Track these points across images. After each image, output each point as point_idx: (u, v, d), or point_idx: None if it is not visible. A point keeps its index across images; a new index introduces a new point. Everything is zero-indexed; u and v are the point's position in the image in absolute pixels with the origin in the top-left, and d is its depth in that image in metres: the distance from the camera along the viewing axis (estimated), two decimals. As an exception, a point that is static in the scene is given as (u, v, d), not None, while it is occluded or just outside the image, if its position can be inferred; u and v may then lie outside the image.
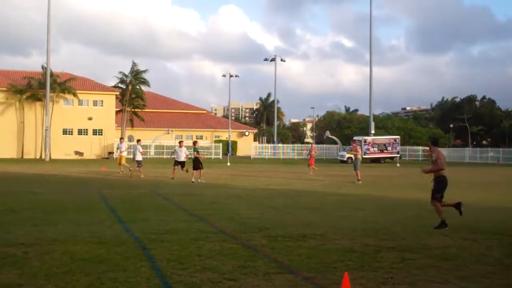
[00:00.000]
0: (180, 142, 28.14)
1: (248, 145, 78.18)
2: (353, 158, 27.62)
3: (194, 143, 26.34)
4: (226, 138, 76.25)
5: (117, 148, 33.55)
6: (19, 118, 63.08)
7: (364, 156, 60.49)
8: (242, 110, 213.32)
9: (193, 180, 24.30)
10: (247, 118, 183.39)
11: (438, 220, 11.58)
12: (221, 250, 8.75)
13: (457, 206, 11.89)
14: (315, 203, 16.67)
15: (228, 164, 48.06)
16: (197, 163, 24.59)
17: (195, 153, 25.13)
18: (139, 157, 28.70)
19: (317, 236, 10.27)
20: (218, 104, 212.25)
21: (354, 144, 28.08)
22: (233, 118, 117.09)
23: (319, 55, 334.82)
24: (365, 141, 61.02)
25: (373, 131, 65.39)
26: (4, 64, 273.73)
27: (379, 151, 61.43)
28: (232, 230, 10.81)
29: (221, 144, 71.03)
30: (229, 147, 70.90)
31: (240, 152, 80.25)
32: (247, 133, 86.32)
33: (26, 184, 18.12)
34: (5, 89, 62.88)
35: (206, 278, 6.94)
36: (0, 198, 16.27)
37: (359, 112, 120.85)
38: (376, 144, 61.47)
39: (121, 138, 35.56)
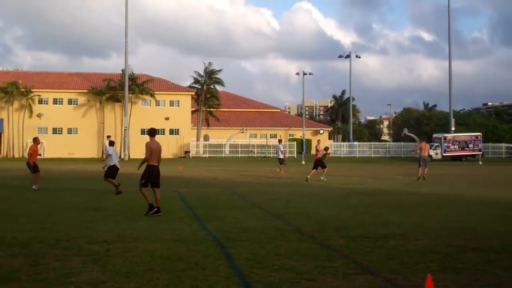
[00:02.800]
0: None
1: (323, 144, 77.63)
2: (419, 155, 26.60)
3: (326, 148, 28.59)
4: (300, 136, 76.05)
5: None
6: (99, 119, 65.30)
7: (444, 154, 58.90)
8: (316, 108, 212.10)
9: (322, 177, 25.35)
10: (321, 116, 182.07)
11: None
12: (299, 249, 8.66)
13: None
14: (394, 202, 16.26)
15: (303, 162, 47.89)
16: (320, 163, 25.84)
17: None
18: (280, 155, 31.06)
19: (397, 236, 9.99)
20: (291, 103, 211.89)
21: (423, 142, 27.19)
22: (307, 116, 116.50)
23: (397, 49, 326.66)
24: (445, 139, 59.33)
25: (453, 128, 63.45)
26: (85, 67, 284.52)
27: (460, 149, 59.59)
28: (309, 229, 10.70)
29: (295, 143, 70.87)
30: (303, 146, 70.69)
31: (315, 150, 79.73)
32: (321, 131, 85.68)
33: (107, 183, 18.64)
34: (86, 91, 65.31)
35: (285, 277, 6.87)
36: (82, 197, 16.80)
37: (438, 109, 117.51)
38: (457, 141, 59.66)
39: (108, 136, 35.04)
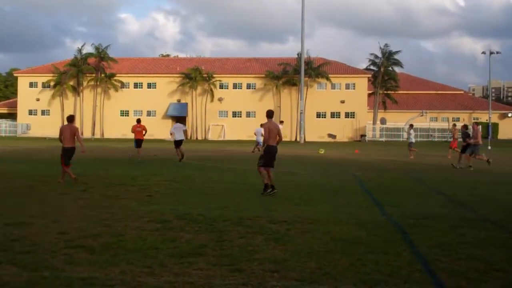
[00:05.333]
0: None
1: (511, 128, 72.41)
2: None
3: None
4: (486, 120, 71.53)
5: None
6: (276, 103, 67.02)
7: None
8: (503, 89, 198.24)
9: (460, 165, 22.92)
10: (509, 98, 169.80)
11: None
12: (487, 238, 8.10)
13: None
14: None
15: (489, 147, 45.01)
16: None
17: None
18: (411, 139, 30.42)
19: None
20: (476, 84, 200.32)
21: (476, 127, 23.62)
22: (493, 98, 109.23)
23: None
24: None
25: None
26: (262, 52, 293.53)
27: None
28: (498, 218, 9.97)
29: (480, 127, 66.80)
30: (489, 130, 66.42)
31: (502, 135, 74.54)
32: (510, 114, 79.84)
33: (285, 165, 19.00)
34: (263, 75, 67.32)
35: (472, 267, 6.47)
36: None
37: None
38: None
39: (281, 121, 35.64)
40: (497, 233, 8.66)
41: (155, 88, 69.74)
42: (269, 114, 13.59)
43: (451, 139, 32.98)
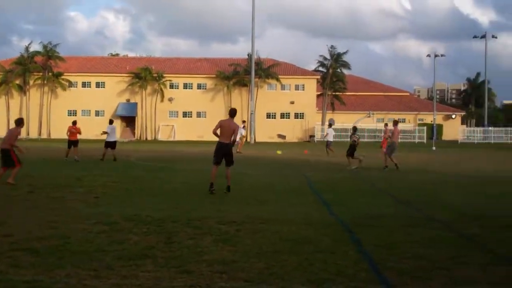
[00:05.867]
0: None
1: (455, 129, 74.53)
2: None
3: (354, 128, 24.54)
4: (431, 121, 73.33)
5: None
6: (226, 103, 67.02)
7: None
8: (448, 91, 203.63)
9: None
10: (453, 100, 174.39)
11: None
12: (432, 237, 8.29)
13: None
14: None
15: (433, 148, 46.19)
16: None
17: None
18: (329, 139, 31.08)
19: (542, 228, 9.29)
20: (422, 86, 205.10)
21: (395, 127, 23.03)
22: (438, 100, 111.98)
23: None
24: None
25: None
26: (213, 52, 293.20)
27: None
28: (442, 218, 10.22)
29: (425, 128, 68.56)
30: (434, 131, 68.14)
31: (446, 136, 76.61)
32: (453, 116, 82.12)
33: (236, 166, 18.99)
34: (214, 76, 67.24)
35: (417, 265, 6.60)
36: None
37: None
38: None
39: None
40: (442, 232, 8.87)
41: (103, 87, 68.70)
42: (232, 112, 13.68)
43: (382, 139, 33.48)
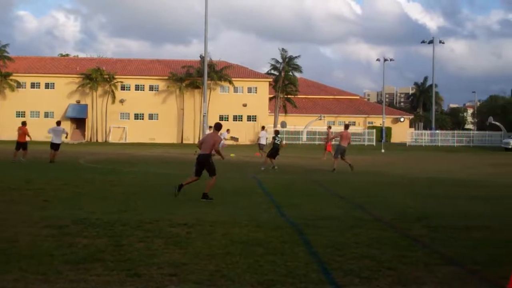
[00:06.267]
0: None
1: (403, 132, 75.97)
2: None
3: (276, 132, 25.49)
4: (380, 124, 74.72)
5: None
6: (179, 105, 66.65)
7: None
8: (396, 95, 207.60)
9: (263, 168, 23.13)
10: (402, 104, 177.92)
11: None
12: (379, 238, 8.49)
13: None
14: (478, 193, 15.67)
15: (382, 151, 47.08)
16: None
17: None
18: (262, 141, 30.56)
19: (483, 228, 9.63)
20: (372, 89, 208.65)
21: (344, 130, 23.30)
22: (387, 103, 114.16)
23: (486, 34, 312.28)
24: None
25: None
26: (166, 53, 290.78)
27: None
28: (389, 219, 10.48)
29: (374, 131, 69.74)
30: (383, 134, 69.45)
31: (395, 138, 78.13)
32: (402, 119, 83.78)
33: (187, 168, 18.98)
34: (166, 77, 66.76)
35: (365, 265, 6.76)
36: (164, 180, 17.17)
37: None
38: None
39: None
40: (388, 233, 9.11)
41: (53, 88, 67.24)
42: (217, 126, 14.18)
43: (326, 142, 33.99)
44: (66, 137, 26.39)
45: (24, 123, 25.21)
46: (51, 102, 65.93)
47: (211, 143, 13.25)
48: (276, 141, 23.56)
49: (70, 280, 5.91)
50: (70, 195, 13.31)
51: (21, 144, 24.32)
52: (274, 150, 23.53)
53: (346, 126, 24.07)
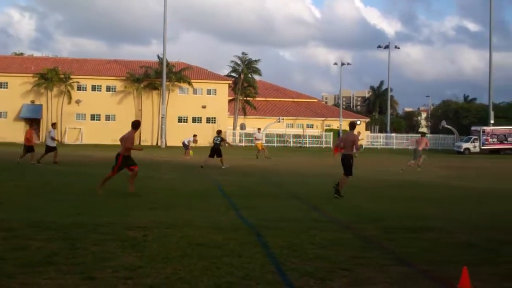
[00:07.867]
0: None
1: (360, 134, 77.02)
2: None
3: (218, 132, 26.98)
4: (337, 127, 75.50)
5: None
6: (137, 106, 65.97)
7: (483, 147, 57.82)
8: (353, 98, 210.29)
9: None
10: (358, 107, 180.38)
11: None
12: (335, 239, 8.59)
13: None
14: (432, 195, 16.02)
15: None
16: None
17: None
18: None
19: (435, 229, 9.83)
20: (329, 93, 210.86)
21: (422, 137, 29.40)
22: (344, 106, 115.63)
23: (441, 40, 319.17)
24: (483, 132, 58.30)
25: (492, 121, 62.15)
26: (124, 54, 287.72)
27: (498, 142, 58.47)
28: (346, 220, 10.62)
29: (332, 133, 70.44)
30: (339, 136, 70.13)
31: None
32: (358, 122, 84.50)
33: (143, 169, 18.81)
34: (124, 78, 66.01)
35: (320, 266, 6.82)
36: (121, 183, 16.98)
37: (478, 101, 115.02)
38: (496, 134, 58.53)
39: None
40: (343, 234, 9.22)
41: (6, 88, 65.71)
42: (352, 125, 15.69)
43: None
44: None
45: (31, 126, 27.11)
46: (4, 102, 64.42)
47: (351, 141, 14.81)
48: (215, 141, 24.67)
49: (22, 283, 5.79)
50: (25, 197, 13.06)
51: (27, 148, 24.99)
52: (213, 149, 24.92)
53: (423, 134, 30.37)
